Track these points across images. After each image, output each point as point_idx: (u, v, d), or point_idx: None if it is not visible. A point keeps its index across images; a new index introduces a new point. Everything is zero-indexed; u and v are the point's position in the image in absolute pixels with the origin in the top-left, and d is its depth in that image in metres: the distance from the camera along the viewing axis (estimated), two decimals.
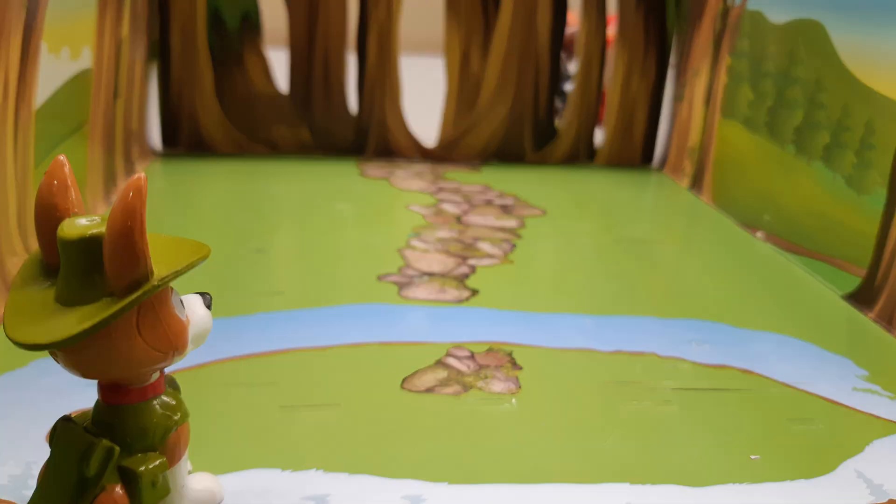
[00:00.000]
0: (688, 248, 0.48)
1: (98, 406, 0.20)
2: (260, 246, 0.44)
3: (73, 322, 0.18)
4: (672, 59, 0.64)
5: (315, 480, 0.24)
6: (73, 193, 0.19)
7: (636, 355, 0.33)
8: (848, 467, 0.26)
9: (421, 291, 0.39)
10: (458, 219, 0.50)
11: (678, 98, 0.63)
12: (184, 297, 0.20)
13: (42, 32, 0.38)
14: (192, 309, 0.20)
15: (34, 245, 0.38)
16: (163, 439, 0.20)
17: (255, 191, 0.54)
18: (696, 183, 0.59)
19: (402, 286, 0.39)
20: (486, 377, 0.31)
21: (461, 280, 0.40)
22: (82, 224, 0.18)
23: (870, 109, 0.40)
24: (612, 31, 0.64)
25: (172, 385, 0.22)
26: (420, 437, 0.27)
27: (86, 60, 0.45)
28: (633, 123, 0.65)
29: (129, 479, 0.20)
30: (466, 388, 0.30)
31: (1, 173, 0.34)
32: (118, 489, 0.20)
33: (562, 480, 0.25)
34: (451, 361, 0.32)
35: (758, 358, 0.34)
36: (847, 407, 0.30)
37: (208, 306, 0.21)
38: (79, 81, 0.44)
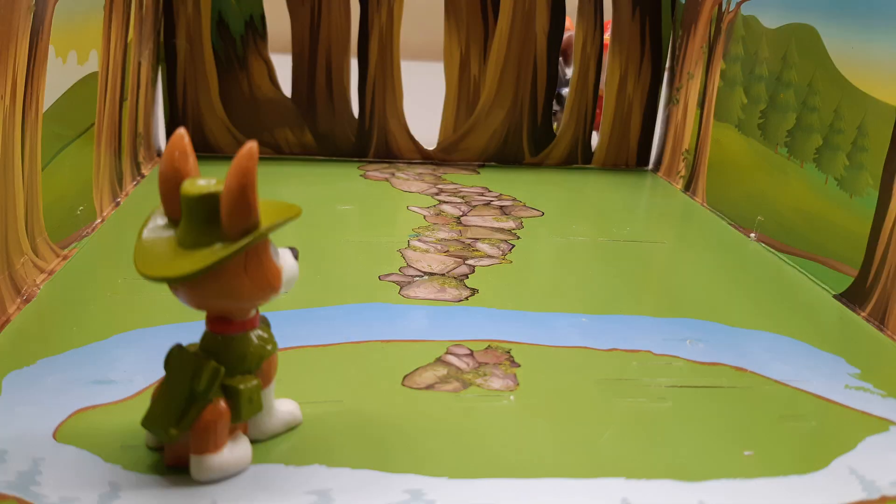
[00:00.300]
0: (682, 249, 0.48)
1: (206, 335, 0.24)
2: None
3: (194, 261, 0.22)
4: (667, 63, 0.65)
5: (317, 475, 0.25)
6: (191, 160, 0.23)
7: (631, 353, 0.34)
8: (841, 463, 0.27)
9: (421, 291, 0.39)
10: (458, 220, 0.51)
11: (673, 101, 0.63)
12: (279, 249, 0.24)
13: (49, 36, 0.38)
14: (285, 259, 0.24)
15: (41, 245, 0.38)
16: (258, 365, 0.24)
17: (260, 193, 0.54)
18: (690, 185, 0.59)
19: (402, 286, 0.40)
20: (484, 374, 0.31)
21: (461, 280, 0.41)
22: (202, 184, 0.22)
23: (861, 112, 0.40)
24: (608, 35, 0.65)
25: (265, 322, 0.25)
26: (420, 432, 0.27)
27: (93, 64, 0.45)
28: (629, 127, 0.66)
29: (231, 395, 0.24)
30: (466, 384, 0.31)
31: (10, 175, 0.35)
32: (222, 402, 0.23)
33: (559, 475, 0.25)
34: (451, 359, 0.33)
35: (751, 356, 0.34)
36: (839, 404, 0.31)
37: (296, 258, 0.25)
38: (86, 85, 0.45)
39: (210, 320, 0.24)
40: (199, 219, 0.22)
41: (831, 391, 0.32)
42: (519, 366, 0.32)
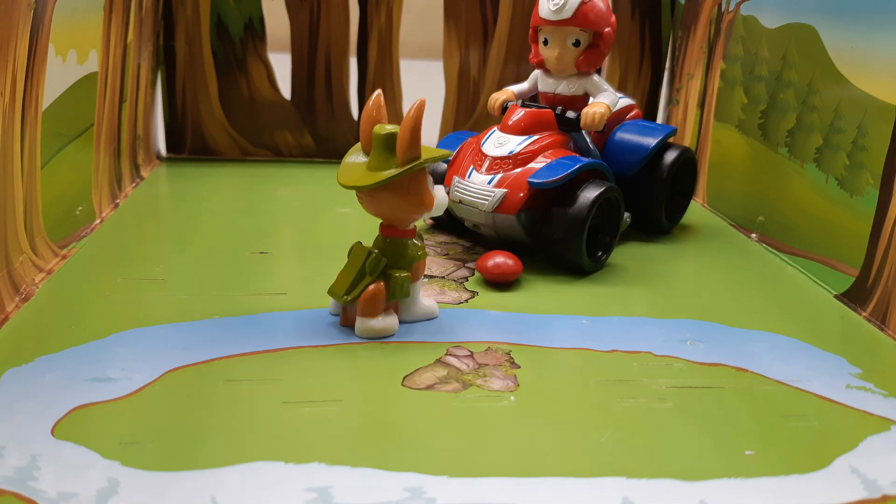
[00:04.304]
0: (683, 250, 0.48)
1: (378, 238, 0.35)
2: (264, 248, 0.44)
3: (375, 178, 0.32)
4: (667, 64, 0.65)
5: (317, 473, 0.25)
6: (383, 111, 0.34)
7: (632, 354, 0.34)
8: (842, 463, 0.27)
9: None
10: None
11: (673, 102, 0.63)
12: (435, 186, 0.35)
13: (49, 34, 0.38)
14: (438, 191, 0.35)
15: (40, 245, 0.38)
16: (410, 264, 0.34)
17: (259, 195, 0.54)
18: None
19: None
20: (485, 375, 0.31)
21: (461, 283, 0.41)
22: (388, 128, 0.33)
23: (861, 111, 0.40)
24: None
25: (419, 236, 0.35)
26: (420, 432, 0.27)
27: (92, 64, 0.45)
28: None
29: (388, 280, 0.34)
30: (466, 385, 0.30)
31: (9, 173, 0.35)
32: (381, 284, 0.34)
33: (559, 474, 0.25)
34: (451, 360, 0.32)
35: (752, 356, 0.34)
36: (841, 404, 0.30)
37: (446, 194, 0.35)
38: (85, 84, 0.45)
39: (382, 227, 0.35)
40: (382, 151, 0.33)
41: (832, 391, 0.31)
42: (519, 367, 0.32)
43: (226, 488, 0.24)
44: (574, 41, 0.44)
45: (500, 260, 0.40)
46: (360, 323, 0.34)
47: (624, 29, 0.64)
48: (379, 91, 0.34)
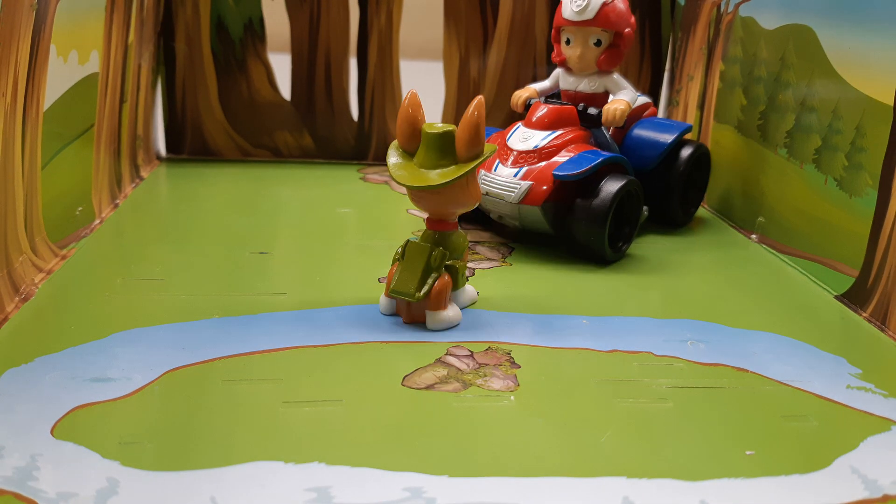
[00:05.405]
0: (683, 250, 0.48)
1: (427, 233, 0.35)
2: (264, 248, 0.44)
3: (445, 175, 0.33)
4: (667, 65, 0.65)
5: (317, 473, 0.25)
6: (421, 110, 0.34)
7: (632, 354, 0.34)
8: (843, 463, 0.27)
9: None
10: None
11: (673, 103, 0.63)
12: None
13: (51, 35, 0.38)
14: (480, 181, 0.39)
15: (40, 245, 0.38)
16: (462, 253, 0.36)
17: (259, 195, 0.54)
18: None
19: None
20: (485, 375, 0.31)
21: None
22: (439, 126, 0.33)
23: (859, 112, 0.40)
24: None
25: (459, 224, 0.36)
26: (420, 432, 0.27)
27: (93, 65, 0.45)
28: None
29: (451, 271, 0.35)
30: (466, 385, 0.30)
31: (10, 173, 0.35)
32: (447, 276, 0.34)
33: (559, 474, 0.25)
34: (451, 360, 0.32)
35: (752, 357, 0.34)
36: (841, 404, 0.30)
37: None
38: (86, 85, 0.45)
39: (431, 222, 0.35)
40: (435, 149, 0.33)
41: (833, 391, 0.31)
42: (519, 367, 0.32)
43: (225, 488, 0.24)
44: (595, 41, 0.45)
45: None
46: (433, 316, 0.34)
47: None
48: (414, 90, 0.34)
